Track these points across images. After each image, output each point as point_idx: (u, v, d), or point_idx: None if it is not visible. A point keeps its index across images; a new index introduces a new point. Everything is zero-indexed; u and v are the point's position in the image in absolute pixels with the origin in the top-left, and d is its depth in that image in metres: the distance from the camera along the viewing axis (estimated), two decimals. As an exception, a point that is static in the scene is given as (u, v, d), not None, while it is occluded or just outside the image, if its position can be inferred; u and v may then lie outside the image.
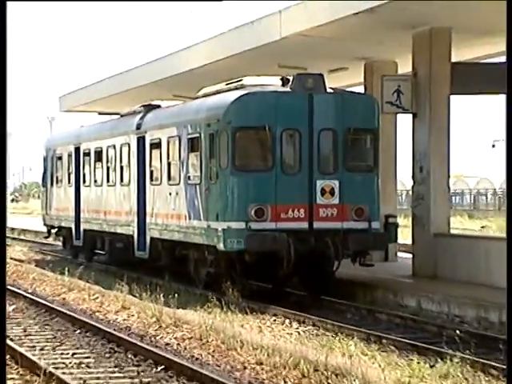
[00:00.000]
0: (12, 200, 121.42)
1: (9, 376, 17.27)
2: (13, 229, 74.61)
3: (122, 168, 37.20)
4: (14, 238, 63.42)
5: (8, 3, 22.11)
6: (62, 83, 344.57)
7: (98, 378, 17.69)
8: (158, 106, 36.58)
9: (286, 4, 32.89)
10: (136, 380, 17.51)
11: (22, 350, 20.22)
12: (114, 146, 38.11)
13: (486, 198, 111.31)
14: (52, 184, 47.38)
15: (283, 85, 29.80)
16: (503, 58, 35.34)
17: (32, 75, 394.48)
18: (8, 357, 19.75)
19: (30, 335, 23.35)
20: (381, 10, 27.65)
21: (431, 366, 17.78)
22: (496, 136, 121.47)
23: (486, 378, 16.97)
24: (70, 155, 43.92)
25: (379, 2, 27.36)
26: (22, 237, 63.18)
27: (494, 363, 18.09)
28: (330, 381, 16.70)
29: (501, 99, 35.27)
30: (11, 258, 46.18)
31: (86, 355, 20.44)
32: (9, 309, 27.87)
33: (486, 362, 18.18)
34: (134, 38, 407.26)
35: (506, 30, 6.70)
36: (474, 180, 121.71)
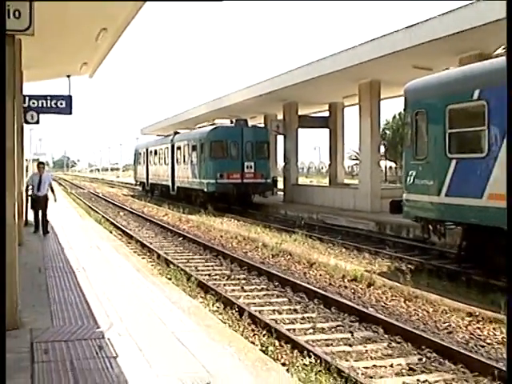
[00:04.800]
0: (123, 170, 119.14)
1: (119, 241, 16.83)
2: (122, 182, 70.20)
3: (165, 157, 36.45)
4: (123, 186, 60.03)
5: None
6: (142, 119, 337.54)
7: (156, 242, 17.85)
8: (179, 132, 35.80)
9: (232, 90, 32.95)
10: (171, 242, 17.81)
11: (126, 230, 20.20)
12: (162, 149, 37.36)
13: (312, 169, 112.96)
14: (137, 164, 46.58)
15: (231, 123, 29.37)
16: (319, 113, 35.33)
17: (131, 115, 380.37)
18: (120, 234, 19.66)
19: (129, 224, 22.97)
20: (270, 94, 27.61)
21: (290, 236, 17.85)
22: (316, 144, 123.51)
23: (310, 240, 17.11)
24: (144, 152, 42.57)
25: (270, 90, 27.24)
26: (125, 185, 61.97)
27: (315, 234, 18.15)
28: (250, 243, 17.07)
29: (319, 130, 35.44)
30: (123, 194, 44.94)
31: (151, 232, 20.45)
32: (121, 213, 27.23)
33: (311, 234, 18.26)
34: (167, 98, 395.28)
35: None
36: (307, 162, 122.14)
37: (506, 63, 8.86)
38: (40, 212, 15.74)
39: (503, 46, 11.14)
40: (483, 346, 7.66)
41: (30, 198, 15.73)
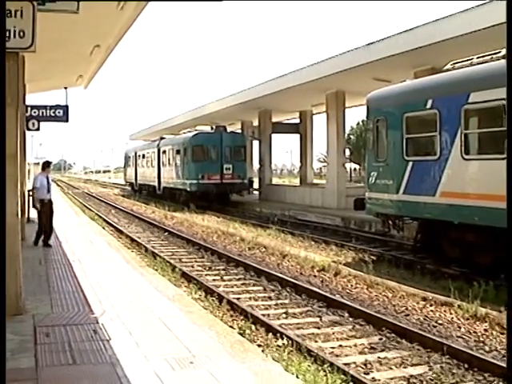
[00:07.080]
0: (114, 172, 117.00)
1: (110, 236, 16.43)
2: (113, 183, 68.38)
3: (151, 161, 36.07)
4: (115, 186, 59.08)
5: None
6: (131, 126, 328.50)
7: (144, 236, 17.60)
8: (164, 138, 35.25)
9: (212, 99, 32.93)
10: (157, 237, 17.60)
11: (117, 226, 19.87)
12: (149, 152, 37.00)
13: (285, 170, 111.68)
14: (127, 166, 45.86)
15: (211, 129, 29.12)
16: (291, 120, 35.02)
17: (121, 122, 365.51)
18: (112, 229, 19.28)
19: (120, 221, 22.60)
20: (247, 103, 27.77)
21: (265, 231, 17.90)
22: (288, 148, 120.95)
23: (283, 235, 17.08)
24: (133, 156, 41.66)
25: (246, 99, 27.40)
26: (116, 186, 60.97)
27: (287, 229, 18.11)
28: (228, 237, 17.01)
29: (291, 136, 35.56)
30: (114, 194, 44.44)
31: (140, 228, 20.16)
32: (112, 211, 26.85)
33: (284, 229, 18.21)
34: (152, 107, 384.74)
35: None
36: (280, 164, 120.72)
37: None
38: (45, 220, 12.36)
39: (452, 62, 11.38)
40: (435, 326, 7.81)
41: (33, 197, 12.71)
